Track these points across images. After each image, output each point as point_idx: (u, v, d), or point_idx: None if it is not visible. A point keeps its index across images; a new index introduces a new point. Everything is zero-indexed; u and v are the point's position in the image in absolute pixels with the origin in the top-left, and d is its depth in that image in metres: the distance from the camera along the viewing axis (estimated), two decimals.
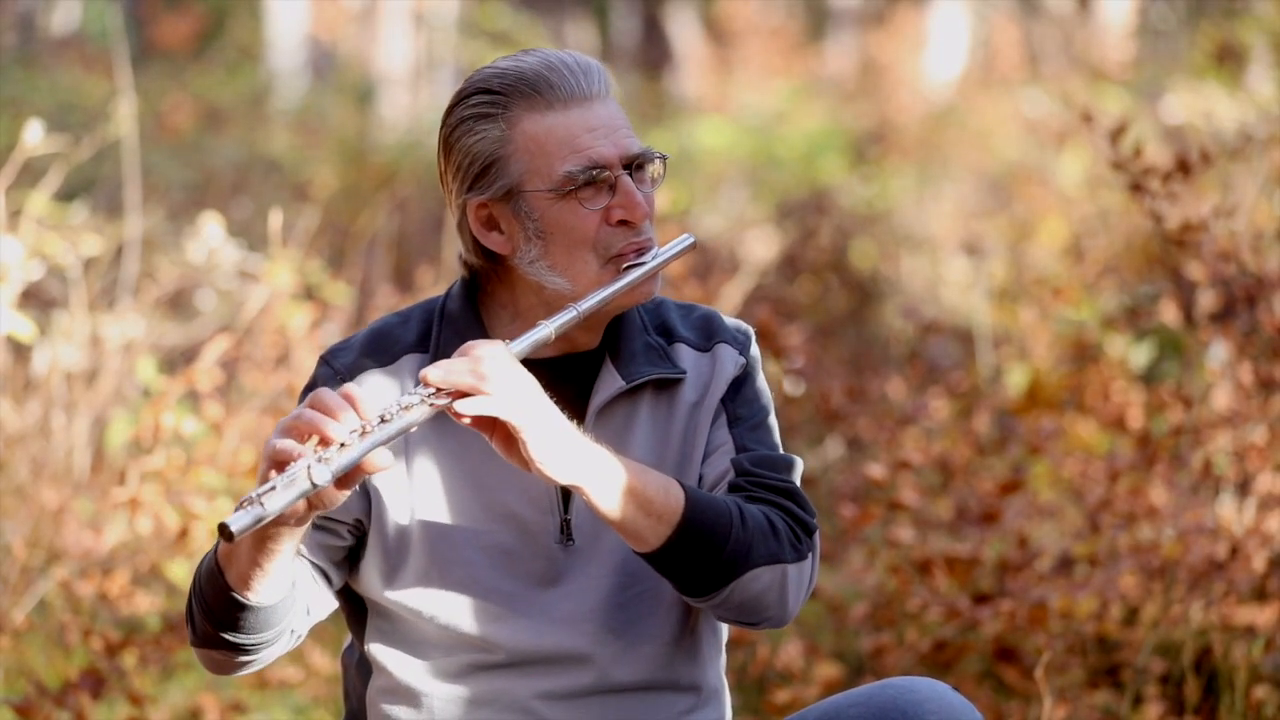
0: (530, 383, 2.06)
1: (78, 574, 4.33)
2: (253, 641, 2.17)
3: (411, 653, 2.28)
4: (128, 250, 5.23)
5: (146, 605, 4.35)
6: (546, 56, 2.21)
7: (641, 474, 2.12)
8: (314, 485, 1.95)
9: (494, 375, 2.04)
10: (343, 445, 1.97)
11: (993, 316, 7.22)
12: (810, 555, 2.22)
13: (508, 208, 2.21)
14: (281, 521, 2.01)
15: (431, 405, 2.03)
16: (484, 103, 2.20)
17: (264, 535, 2.04)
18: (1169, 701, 3.85)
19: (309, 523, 2.05)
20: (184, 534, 4.33)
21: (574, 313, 2.15)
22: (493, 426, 2.07)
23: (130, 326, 4.92)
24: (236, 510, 1.93)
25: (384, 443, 1.99)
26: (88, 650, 4.03)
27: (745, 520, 2.16)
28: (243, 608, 2.12)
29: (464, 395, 2.04)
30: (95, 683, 3.69)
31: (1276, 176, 5.64)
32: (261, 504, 1.93)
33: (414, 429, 2.03)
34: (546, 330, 2.13)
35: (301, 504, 1.99)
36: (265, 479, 1.98)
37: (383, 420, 2.00)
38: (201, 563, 2.17)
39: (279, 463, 1.97)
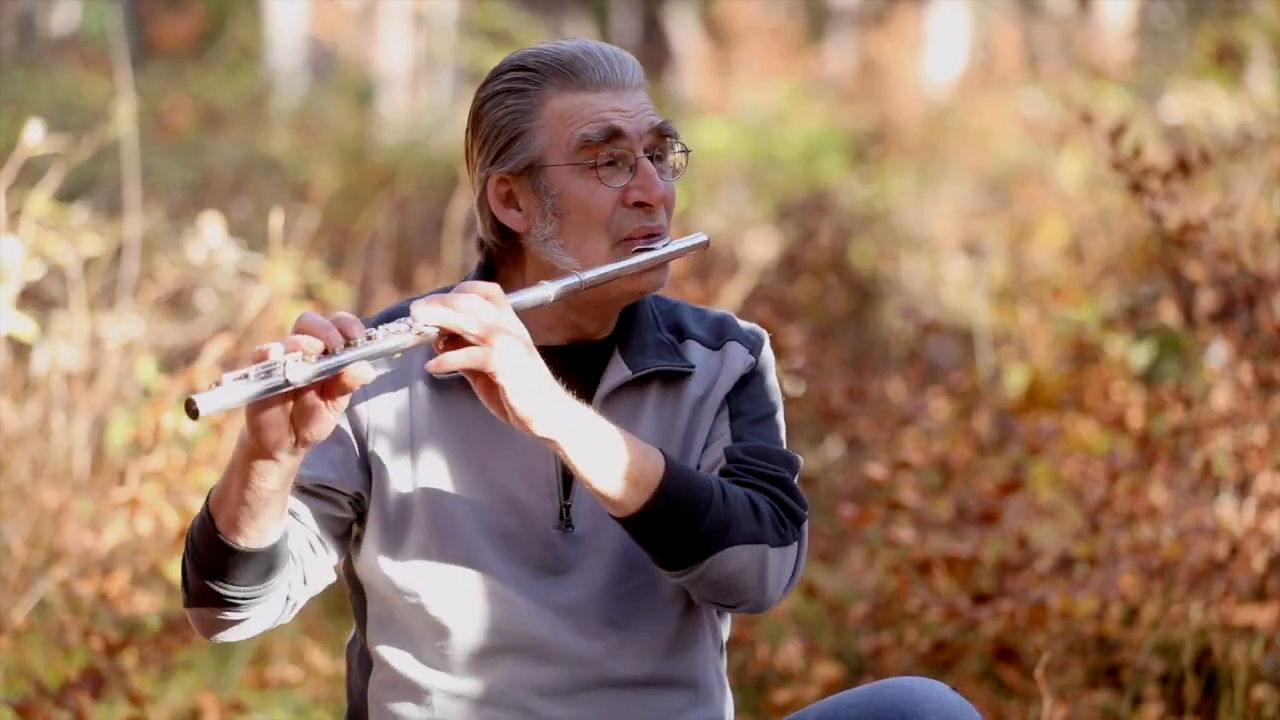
0: (518, 333, 2.07)
1: (78, 574, 4.33)
2: (242, 595, 2.15)
3: (411, 648, 2.28)
4: (128, 250, 5.23)
5: (146, 605, 4.35)
6: (585, 43, 2.25)
7: (621, 436, 2.12)
8: (288, 382, 1.94)
9: (482, 319, 2.05)
10: (325, 353, 1.98)
11: (993, 316, 7.22)
12: (796, 543, 2.21)
13: (528, 183, 2.23)
14: (267, 454, 2.01)
15: (419, 335, 2.03)
16: (517, 78, 2.24)
17: (250, 471, 2.04)
18: (1169, 701, 3.85)
19: (298, 458, 2.04)
20: (184, 534, 4.33)
21: (577, 280, 2.17)
22: (476, 371, 2.08)
23: (130, 326, 4.92)
24: (207, 391, 1.92)
25: (367, 358, 2.00)
26: (87, 650, 4.03)
27: (726, 496, 2.16)
28: (232, 553, 2.11)
29: (452, 334, 2.05)
30: (95, 683, 3.69)
31: (1276, 176, 5.64)
32: (233, 387, 1.91)
33: (398, 355, 2.04)
34: (546, 291, 2.15)
35: (285, 427, 1.99)
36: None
37: (369, 339, 2.01)
38: (194, 519, 2.17)
39: (259, 360, 1.97)
